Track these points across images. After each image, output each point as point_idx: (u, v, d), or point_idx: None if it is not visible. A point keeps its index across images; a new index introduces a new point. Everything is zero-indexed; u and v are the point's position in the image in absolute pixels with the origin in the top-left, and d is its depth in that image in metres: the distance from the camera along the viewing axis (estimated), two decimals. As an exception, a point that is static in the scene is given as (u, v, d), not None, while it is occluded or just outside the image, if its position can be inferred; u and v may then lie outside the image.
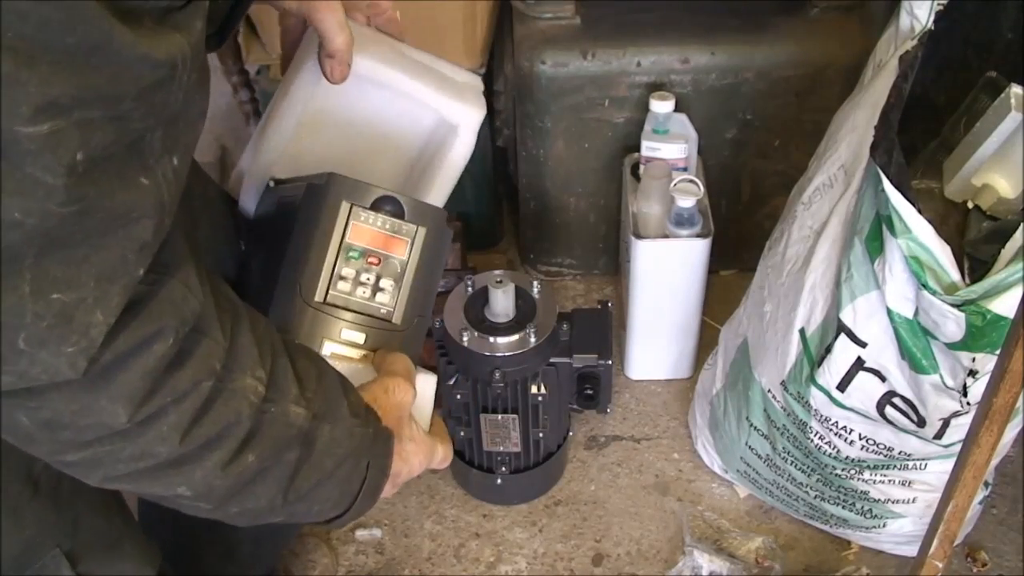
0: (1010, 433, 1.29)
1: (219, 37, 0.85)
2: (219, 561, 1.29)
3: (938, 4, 1.26)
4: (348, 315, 0.87)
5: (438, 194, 1.00)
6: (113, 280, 0.57)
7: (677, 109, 1.65)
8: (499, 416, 1.48)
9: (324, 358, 0.79)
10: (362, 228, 0.87)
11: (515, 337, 1.41)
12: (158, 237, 0.59)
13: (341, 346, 0.87)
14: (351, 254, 0.87)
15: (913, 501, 1.40)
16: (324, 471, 0.73)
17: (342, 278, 0.86)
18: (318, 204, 0.87)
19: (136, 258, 0.57)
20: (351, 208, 0.86)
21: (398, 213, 0.89)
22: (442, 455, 0.90)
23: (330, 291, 0.86)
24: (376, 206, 0.88)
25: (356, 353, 0.88)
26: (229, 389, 0.65)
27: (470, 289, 1.47)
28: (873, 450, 1.34)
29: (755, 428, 1.47)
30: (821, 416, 1.34)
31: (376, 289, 0.87)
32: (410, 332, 0.91)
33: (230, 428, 0.66)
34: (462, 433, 1.54)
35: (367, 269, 0.87)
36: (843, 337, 1.25)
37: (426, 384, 0.92)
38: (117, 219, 0.56)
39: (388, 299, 0.88)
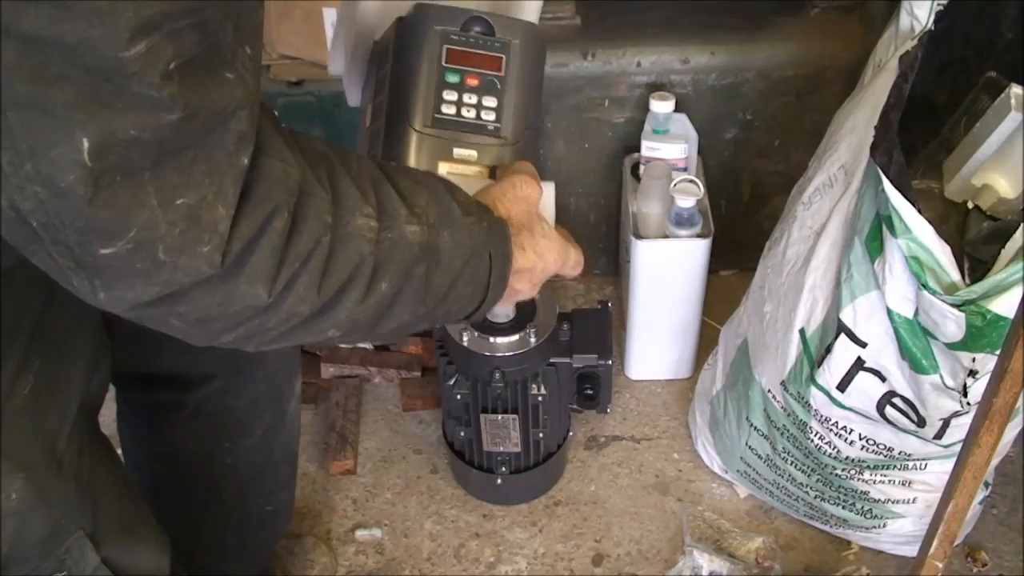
0: (1010, 433, 1.29)
1: None
2: (209, 557, 1.29)
3: (938, 4, 1.26)
4: (457, 135, 0.91)
5: (531, 12, 1.01)
6: (224, 173, 0.60)
7: (677, 109, 1.65)
8: (499, 416, 1.48)
9: (424, 171, 0.81)
10: (456, 51, 0.90)
11: (515, 337, 1.41)
12: (252, 125, 0.62)
13: (456, 165, 0.91)
14: (450, 77, 0.90)
15: (913, 501, 1.40)
16: (453, 273, 0.76)
17: (445, 101, 0.90)
18: (410, 35, 0.90)
19: (237, 148, 0.61)
20: (442, 32, 0.90)
21: (488, 31, 0.91)
22: (575, 258, 0.90)
23: (436, 115, 0.90)
24: (466, 27, 0.91)
25: (472, 171, 0.92)
26: (345, 235, 0.68)
27: (470, 289, 1.47)
28: (873, 450, 1.34)
29: (755, 428, 1.47)
30: (821, 416, 1.34)
31: (480, 107, 0.90)
32: (522, 144, 0.94)
33: (358, 268, 0.69)
34: (462, 433, 1.54)
35: (468, 89, 0.90)
36: (843, 337, 1.25)
37: (548, 188, 0.93)
38: (216, 116, 0.59)
39: (493, 115, 0.91)
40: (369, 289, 0.70)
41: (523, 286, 0.85)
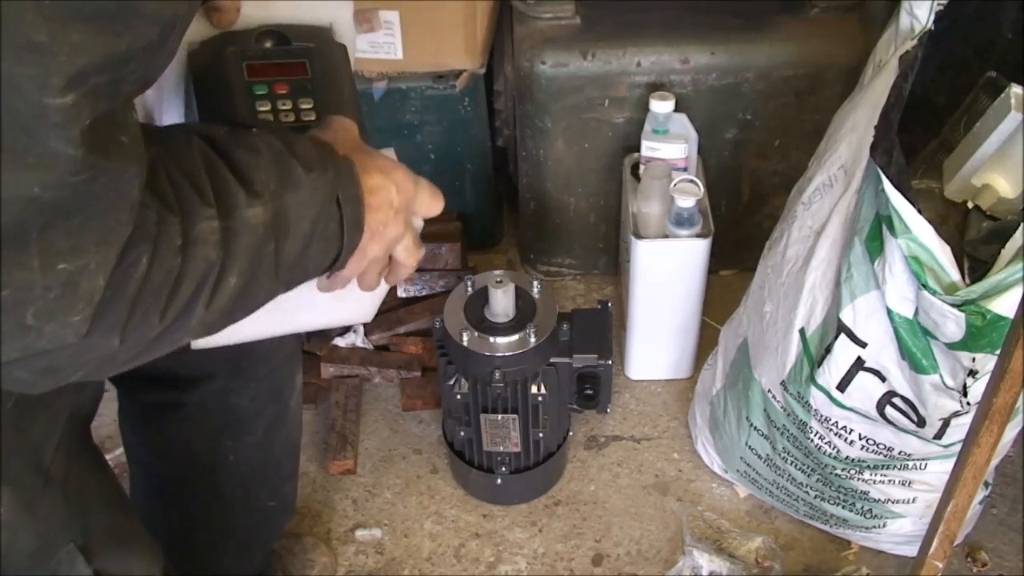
0: (1010, 433, 1.29)
1: None
2: (213, 552, 1.29)
3: (938, 4, 1.26)
4: None
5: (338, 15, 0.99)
6: (111, 243, 0.57)
7: (677, 109, 1.65)
8: (499, 416, 1.48)
9: (258, 130, 0.76)
10: (256, 65, 0.88)
11: (515, 337, 1.41)
12: (141, 192, 0.59)
13: None
14: (258, 91, 0.87)
15: (913, 501, 1.40)
16: (304, 235, 0.72)
17: (260, 112, 0.87)
18: (206, 63, 0.88)
19: (128, 218, 0.58)
20: (236, 52, 0.88)
21: (283, 40, 0.90)
22: (427, 184, 0.84)
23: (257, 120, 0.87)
24: (259, 42, 0.90)
25: None
26: (190, 244, 0.63)
27: (470, 289, 1.47)
28: (873, 450, 1.34)
29: (755, 428, 1.47)
30: (821, 416, 1.34)
31: (298, 110, 0.88)
32: None
33: (205, 274, 0.65)
34: (462, 433, 1.54)
35: (280, 96, 0.87)
36: (843, 337, 1.25)
37: (388, 153, 0.90)
38: (113, 182, 0.56)
39: (314, 115, 0.88)
40: (216, 290, 0.66)
41: (385, 215, 0.79)
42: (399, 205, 0.80)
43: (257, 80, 0.87)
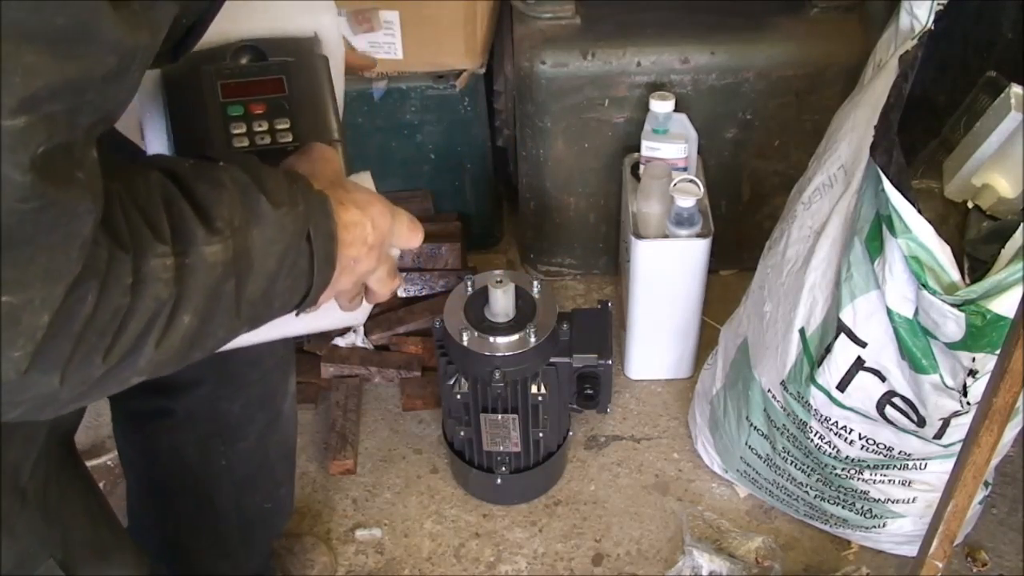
0: (1010, 433, 1.29)
1: (172, 54, 0.82)
2: (210, 555, 1.29)
3: (938, 4, 1.26)
4: None
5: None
6: (58, 280, 0.56)
7: (677, 109, 1.65)
8: (499, 416, 1.48)
9: (227, 162, 0.72)
10: (231, 84, 0.85)
11: (515, 337, 1.41)
12: (94, 232, 0.57)
13: None
14: (233, 111, 0.84)
15: (913, 501, 1.40)
16: (270, 273, 0.69)
17: (235, 135, 0.84)
18: (180, 81, 0.85)
19: (78, 256, 0.56)
20: (212, 70, 0.85)
21: (260, 56, 0.87)
22: (407, 217, 0.82)
23: (231, 151, 0.84)
24: (234, 59, 0.86)
25: None
26: (140, 282, 0.61)
27: (470, 289, 1.47)
28: (873, 450, 1.34)
29: (755, 428, 1.47)
30: (821, 416, 1.34)
31: (274, 132, 0.85)
32: None
33: (156, 312, 0.63)
34: (462, 433, 1.54)
35: (256, 118, 0.85)
36: (843, 337, 1.25)
37: (364, 177, 0.88)
38: (64, 216, 0.55)
39: (290, 136, 0.85)
40: (167, 328, 0.63)
41: (358, 251, 0.76)
42: (373, 241, 0.78)
43: (232, 100, 0.85)
